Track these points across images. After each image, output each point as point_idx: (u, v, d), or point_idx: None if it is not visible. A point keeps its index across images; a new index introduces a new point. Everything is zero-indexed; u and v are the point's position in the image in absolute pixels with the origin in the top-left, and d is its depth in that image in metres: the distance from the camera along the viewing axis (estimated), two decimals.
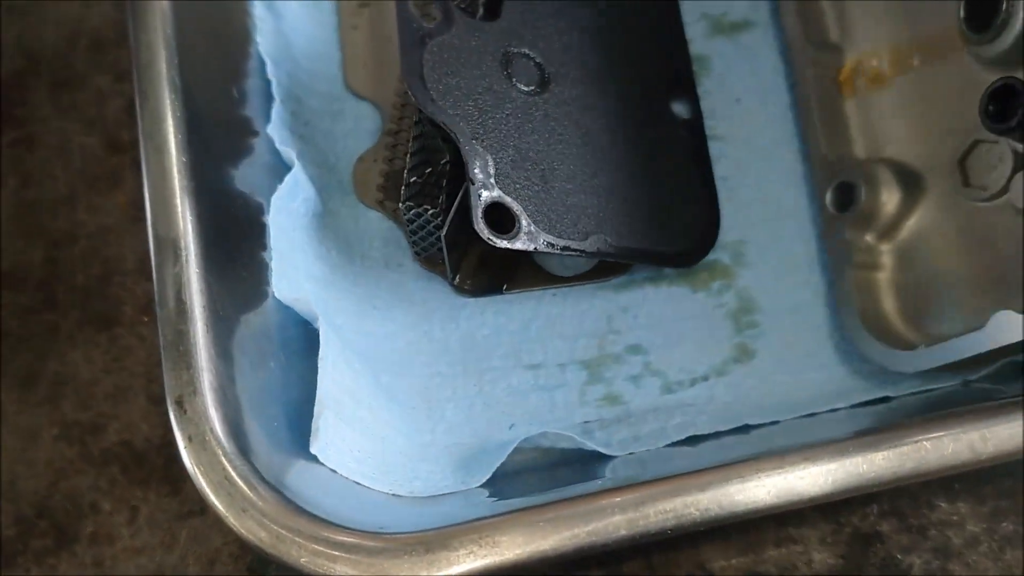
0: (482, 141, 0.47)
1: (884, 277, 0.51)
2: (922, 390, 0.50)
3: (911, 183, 0.50)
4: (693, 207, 0.53)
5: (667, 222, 0.52)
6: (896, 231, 0.50)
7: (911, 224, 0.50)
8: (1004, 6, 0.43)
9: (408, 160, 0.49)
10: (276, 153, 0.50)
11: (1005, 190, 0.45)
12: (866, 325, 0.50)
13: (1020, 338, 0.42)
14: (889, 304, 0.50)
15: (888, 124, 0.51)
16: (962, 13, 0.45)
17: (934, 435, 0.41)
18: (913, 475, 0.41)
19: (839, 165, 0.52)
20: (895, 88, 0.51)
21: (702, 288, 0.53)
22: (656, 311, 0.53)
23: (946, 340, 0.45)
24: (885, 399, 0.49)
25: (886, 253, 0.51)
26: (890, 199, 0.50)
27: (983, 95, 0.44)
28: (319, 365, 0.44)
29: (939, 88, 0.48)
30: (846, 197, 0.51)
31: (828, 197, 0.52)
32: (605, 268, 0.53)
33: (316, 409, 0.43)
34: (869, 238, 0.51)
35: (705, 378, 0.51)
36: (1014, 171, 0.45)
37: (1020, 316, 0.41)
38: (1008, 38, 0.43)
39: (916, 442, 0.41)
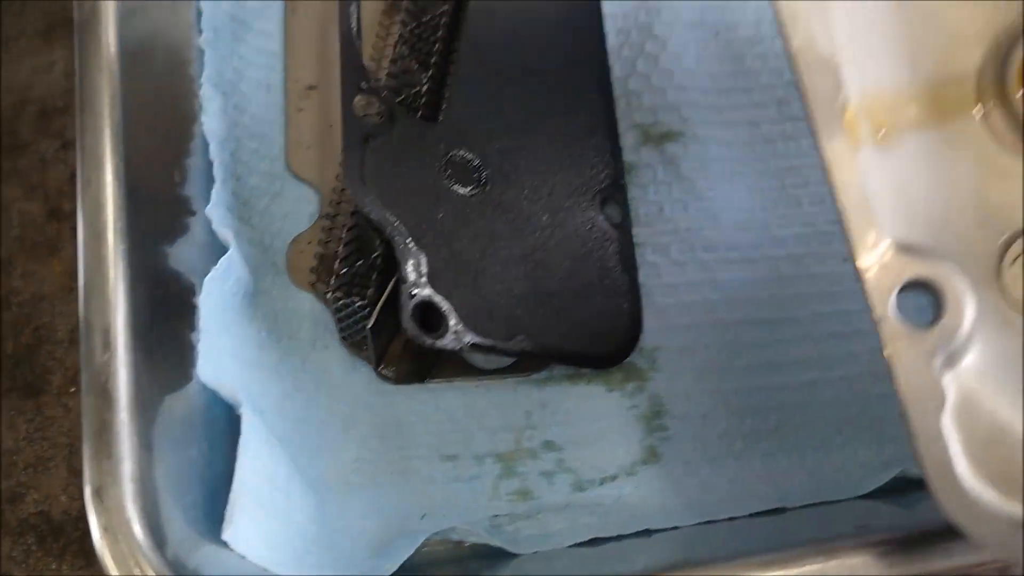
0: (417, 240, 0.49)
1: (948, 422, 0.37)
2: (816, 503, 0.52)
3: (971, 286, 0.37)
4: (617, 311, 0.55)
5: (590, 325, 0.54)
6: (960, 356, 0.38)
7: (971, 349, 0.38)
8: None
9: (341, 250, 0.51)
10: (213, 233, 0.51)
11: None
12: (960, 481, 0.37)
13: None
14: (957, 463, 0.37)
15: (903, 201, 0.39)
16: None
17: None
18: None
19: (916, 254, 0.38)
20: (902, 150, 0.40)
21: (617, 388, 0.55)
22: (573, 409, 0.54)
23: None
24: (780, 510, 0.52)
25: (950, 389, 0.37)
26: (968, 306, 0.37)
27: None
28: (239, 452, 0.45)
29: (957, 160, 0.39)
30: (919, 301, 0.37)
31: (890, 301, 0.37)
32: (527, 363, 0.55)
33: (232, 496, 0.44)
34: (937, 364, 0.37)
35: (614, 478, 0.53)
36: None
37: None
38: None
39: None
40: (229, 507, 0.44)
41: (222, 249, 0.50)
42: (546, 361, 0.54)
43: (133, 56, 0.49)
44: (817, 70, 0.39)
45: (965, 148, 0.38)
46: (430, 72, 0.53)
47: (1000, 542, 0.37)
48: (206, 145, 0.52)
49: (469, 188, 0.52)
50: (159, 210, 0.48)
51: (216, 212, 0.51)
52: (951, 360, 0.37)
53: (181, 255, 0.49)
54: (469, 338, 0.49)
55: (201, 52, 0.55)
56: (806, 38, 0.39)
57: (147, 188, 0.47)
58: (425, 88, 0.53)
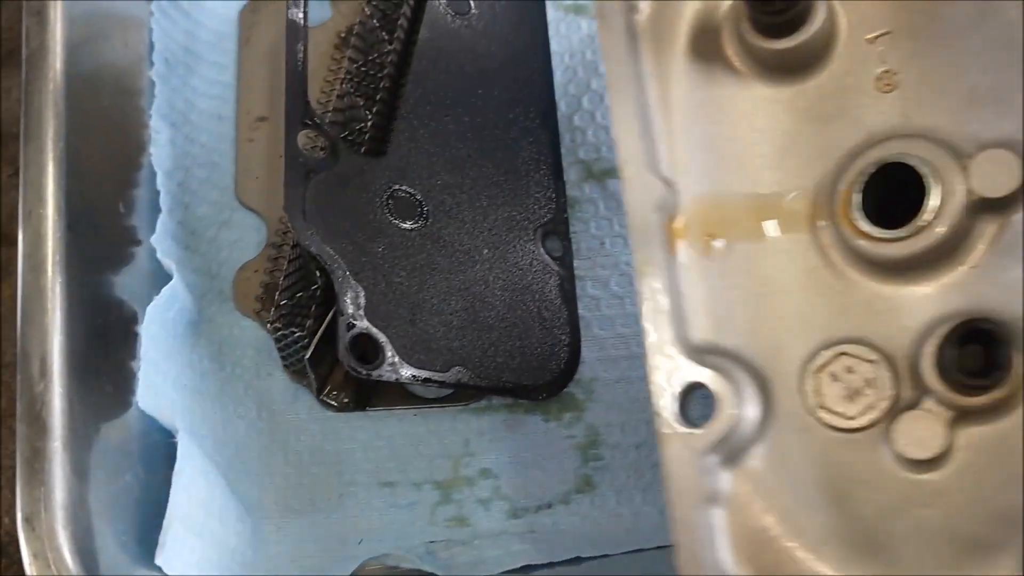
0: (356, 274, 0.50)
1: (723, 522, 0.37)
2: None
3: (759, 391, 0.38)
4: (555, 343, 0.56)
5: (529, 357, 0.55)
6: (744, 457, 0.38)
7: (761, 451, 0.38)
8: (928, 203, 0.35)
9: (283, 281, 0.52)
10: (158, 262, 0.52)
11: (875, 423, 0.36)
12: None
13: None
14: (725, 560, 0.37)
15: (724, 306, 0.40)
16: (855, 201, 0.37)
17: None
18: None
19: (690, 356, 0.39)
20: (729, 260, 0.40)
21: (555, 419, 0.56)
22: (510, 437, 0.56)
23: None
24: None
25: (734, 488, 0.38)
26: (749, 410, 0.38)
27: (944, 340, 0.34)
28: (173, 479, 0.46)
29: (777, 271, 0.39)
30: (694, 405, 0.38)
31: (673, 403, 0.38)
32: (467, 392, 0.56)
33: (165, 522, 0.45)
34: (716, 464, 0.37)
35: (549, 506, 0.55)
36: (893, 405, 0.35)
37: None
38: (930, 238, 0.35)
39: None
40: (162, 533, 0.45)
41: (167, 278, 0.51)
42: (485, 391, 0.56)
43: (82, 88, 0.50)
44: (641, 182, 0.39)
45: (791, 260, 0.39)
46: (375, 108, 0.54)
47: None
48: (154, 176, 0.53)
49: (411, 222, 0.53)
50: (104, 240, 0.49)
51: (161, 242, 0.52)
52: (734, 458, 0.38)
53: (125, 284, 0.50)
54: (406, 370, 0.50)
55: (152, 84, 0.56)
56: (633, 152, 0.39)
57: (92, 218, 0.49)
58: (370, 124, 0.54)
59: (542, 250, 0.57)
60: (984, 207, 0.35)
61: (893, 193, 0.36)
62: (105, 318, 0.48)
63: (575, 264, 0.58)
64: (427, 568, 0.50)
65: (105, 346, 0.47)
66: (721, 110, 0.40)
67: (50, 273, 0.44)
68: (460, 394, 0.56)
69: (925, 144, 0.35)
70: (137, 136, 0.53)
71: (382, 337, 0.50)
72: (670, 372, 0.38)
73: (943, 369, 0.33)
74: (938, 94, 0.36)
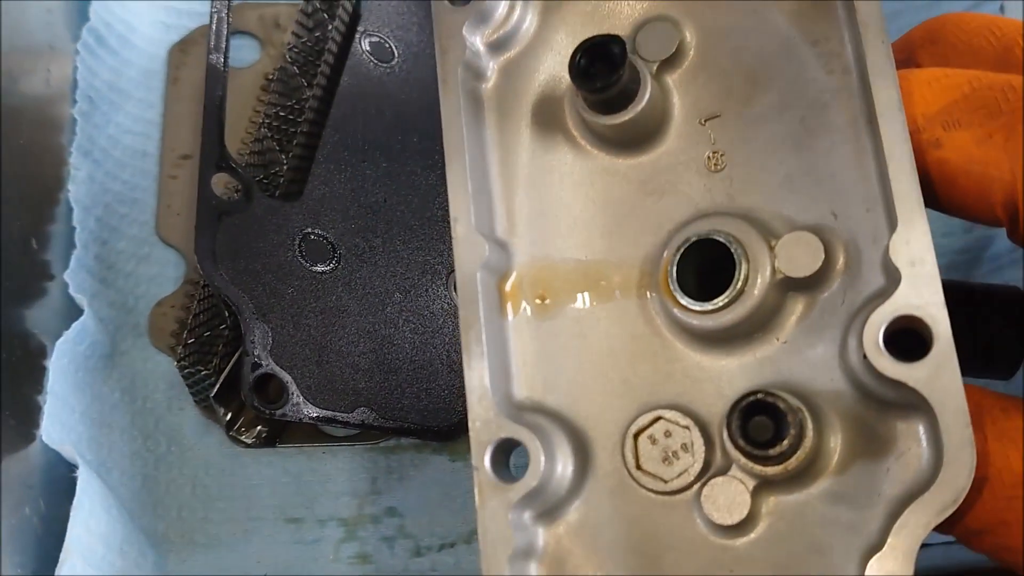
0: (264, 315, 0.51)
1: None
2: None
3: (577, 449, 0.39)
4: (460, 387, 0.57)
5: (435, 398, 0.56)
6: (558, 513, 0.39)
7: (576, 507, 0.39)
8: (738, 279, 0.37)
9: (191, 320, 0.53)
10: (71, 297, 0.53)
11: (688, 487, 0.37)
12: None
13: None
14: None
15: (551, 364, 0.40)
16: (673, 273, 0.38)
17: None
18: None
19: (506, 411, 0.39)
20: (559, 320, 0.41)
21: (460, 459, 0.58)
22: (416, 476, 0.57)
23: None
24: None
25: (545, 544, 0.39)
26: (564, 467, 0.39)
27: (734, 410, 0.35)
28: (72, 512, 0.47)
29: (606, 335, 0.40)
30: (506, 459, 0.39)
31: (486, 458, 0.38)
32: (376, 431, 0.57)
33: (62, 555, 0.46)
34: (527, 518, 0.38)
35: (452, 544, 0.56)
36: (703, 471, 0.37)
37: None
38: (741, 310, 0.37)
39: None
40: (58, 566, 0.46)
41: (80, 312, 0.52)
42: (391, 432, 0.57)
43: (3, 122, 0.51)
44: (471, 243, 0.40)
45: (620, 326, 0.40)
46: (292, 152, 0.56)
47: None
48: (70, 211, 0.54)
49: (323, 265, 0.55)
50: (15, 274, 0.50)
51: (74, 277, 0.53)
52: (550, 514, 0.39)
53: (36, 318, 0.51)
54: (310, 410, 0.52)
55: (74, 121, 0.57)
56: (464, 214, 0.41)
57: (4, 254, 0.49)
58: (286, 168, 0.56)
59: (452, 294, 0.59)
60: (792, 286, 0.36)
61: (719, 269, 0.37)
62: (11, 353, 0.48)
63: None
64: None
65: (13, 380, 0.48)
66: (561, 178, 0.41)
67: None
68: (368, 433, 0.57)
69: (739, 223, 0.37)
70: (55, 173, 0.54)
71: (287, 377, 0.51)
72: (488, 427, 0.38)
73: (734, 439, 0.34)
74: (758, 177, 0.38)
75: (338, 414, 0.53)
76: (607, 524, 0.38)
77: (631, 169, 0.41)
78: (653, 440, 0.38)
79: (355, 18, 0.61)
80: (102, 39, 0.60)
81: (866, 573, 0.33)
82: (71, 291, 0.52)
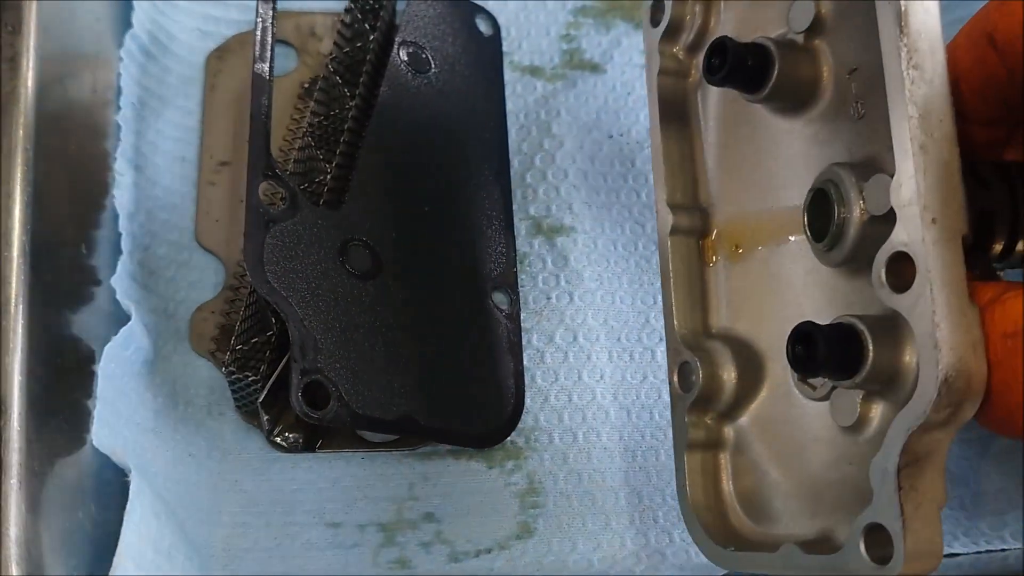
0: (310, 322, 0.52)
1: (723, 461, 0.51)
2: None
3: (753, 365, 0.50)
4: (500, 394, 0.58)
5: (473, 406, 0.57)
6: (737, 413, 0.51)
7: (753, 409, 0.50)
8: (835, 220, 0.43)
9: (238, 326, 0.54)
10: (117, 302, 0.53)
11: (828, 395, 0.45)
12: (696, 509, 0.50)
13: (803, 574, 0.43)
14: (725, 489, 0.51)
15: (741, 299, 0.51)
16: (805, 219, 0.46)
17: None
18: None
19: (690, 341, 0.52)
20: (750, 262, 0.51)
21: (496, 466, 0.58)
22: (453, 483, 0.58)
23: (754, 546, 0.48)
24: None
25: (727, 436, 0.51)
26: (729, 380, 0.50)
27: (788, 340, 0.43)
28: (125, 518, 0.47)
29: (785, 271, 0.49)
30: (689, 376, 0.51)
31: (675, 376, 0.52)
32: (413, 437, 0.58)
33: (115, 559, 0.46)
34: (709, 419, 0.51)
35: (489, 551, 0.57)
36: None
37: (801, 551, 0.43)
38: (844, 249, 0.43)
39: None
40: (112, 569, 0.46)
41: (126, 318, 0.53)
42: (431, 437, 0.58)
43: (50, 130, 0.52)
44: (664, 216, 0.54)
45: (796, 264, 0.48)
46: (335, 162, 0.57)
47: (721, 557, 0.49)
48: (116, 217, 0.55)
49: (365, 273, 0.55)
50: (65, 279, 0.51)
51: (120, 282, 0.53)
52: (729, 414, 0.51)
53: (84, 323, 0.52)
54: (355, 415, 0.52)
55: (118, 128, 0.57)
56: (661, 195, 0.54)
57: (54, 259, 0.50)
58: (330, 177, 0.56)
59: (491, 303, 0.60)
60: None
61: None
62: (63, 357, 0.49)
63: (521, 317, 0.61)
64: None
65: (64, 385, 0.48)
66: (749, 145, 0.51)
67: (12, 314, 0.45)
68: (406, 439, 0.58)
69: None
70: (101, 179, 0.55)
71: (332, 384, 0.52)
72: (673, 354, 0.52)
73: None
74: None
75: (383, 419, 0.53)
76: (777, 421, 0.49)
77: (804, 126, 0.48)
78: None
79: (392, 28, 0.62)
80: (144, 46, 0.60)
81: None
82: (118, 297, 0.53)
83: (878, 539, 0.40)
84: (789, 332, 0.43)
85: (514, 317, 0.60)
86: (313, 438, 0.57)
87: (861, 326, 0.40)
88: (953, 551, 0.58)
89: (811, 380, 0.46)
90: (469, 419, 0.57)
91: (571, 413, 0.60)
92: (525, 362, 0.60)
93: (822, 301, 0.46)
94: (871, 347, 0.40)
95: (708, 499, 0.51)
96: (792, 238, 0.49)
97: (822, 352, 0.40)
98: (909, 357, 0.40)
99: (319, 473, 0.57)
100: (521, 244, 0.62)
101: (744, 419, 0.51)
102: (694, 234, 0.53)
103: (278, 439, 0.56)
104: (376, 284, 0.55)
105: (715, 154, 0.54)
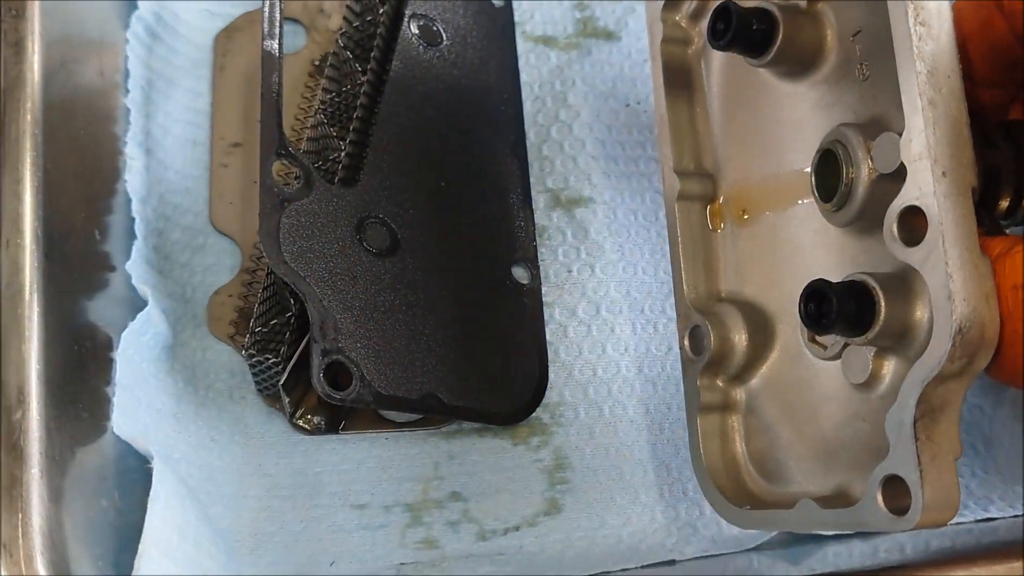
0: (329, 302, 0.51)
1: (735, 423, 0.52)
2: (707, 555, 0.55)
3: (763, 328, 0.51)
4: (523, 370, 0.57)
5: (497, 383, 0.56)
6: (748, 376, 0.52)
7: (763, 371, 0.51)
8: (844, 180, 0.43)
9: (256, 308, 0.53)
10: (133, 288, 0.52)
11: (840, 354, 0.45)
12: (712, 471, 0.51)
13: (821, 529, 0.45)
14: (738, 451, 0.52)
15: (749, 264, 0.52)
16: (813, 180, 0.46)
17: None
18: None
19: (700, 305, 0.53)
20: (757, 227, 0.52)
21: (522, 443, 0.58)
22: (479, 461, 0.57)
23: (769, 506, 0.49)
24: (671, 562, 0.55)
25: (738, 398, 0.52)
26: (740, 343, 0.51)
27: (800, 298, 0.43)
28: (149, 504, 0.47)
29: (792, 234, 0.49)
30: (700, 340, 0.52)
31: (686, 340, 0.53)
32: (437, 416, 0.57)
33: (140, 547, 0.46)
34: (720, 382, 0.52)
35: (517, 528, 0.56)
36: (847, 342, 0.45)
37: (818, 507, 0.44)
38: (852, 209, 0.43)
39: None
40: (137, 557, 0.45)
41: (142, 303, 0.52)
42: (455, 416, 0.57)
43: (57, 115, 0.51)
44: (671, 182, 0.55)
45: (804, 226, 0.49)
46: (349, 139, 0.55)
47: (738, 517, 0.50)
48: (129, 202, 0.54)
49: (383, 250, 0.54)
50: (79, 266, 0.50)
51: (136, 268, 0.52)
52: (740, 376, 0.52)
53: (100, 310, 0.51)
54: (378, 396, 0.52)
55: (127, 111, 0.56)
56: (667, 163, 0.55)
57: (68, 246, 0.49)
58: (344, 154, 0.55)
59: (511, 278, 0.59)
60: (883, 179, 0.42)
61: None
62: (81, 345, 0.48)
63: (543, 291, 0.60)
64: None
65: (81, 373, 0.47)
66: (754, 110, 0.52)
67: (27, 302, 0.45)
68: (430, 418, 0.57)
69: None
70: (112, 164, 0.54)
71: (354, 364, 0.51)
72: (683, 318, 0.53)
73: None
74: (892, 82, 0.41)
75: (405, 399, 0.53)
76: (788, 382, 0.50)
77: (809, 89, 0.48)
78: None
79: (402, 1, 0.61)
80: (151, 28, 0.59)
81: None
82: (134, 282, 0.52)
83: (895, 491, 0.40)
84: (799, 294, 0.43)
85: (535, 292, 0.59)
86: (336, 420, 0.56)
87: (872, 283, 0.41)
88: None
89: (821, 339, 0.46)
90: (493, 396, 0.56)
91: (596, 387, 0.59)
92: (548, 337, 0.59)
93: (831, 262, 0.47)
94: (883, 303, 0.41)
95: (722, 461, 0.52)
96: (799, 201, 0.49)
97: (835, 309, 0.41)
98: (920, 312, 0.41)
99: (343, 455, 0.56)
100: (540, 217, 0.61)
101: (755, 381, 0.52)
102: (701, 200, 0.54)
103: (300, 422, 0.56)
104: (394, 261, 0.54)
105: (720, 120, 0.54)
